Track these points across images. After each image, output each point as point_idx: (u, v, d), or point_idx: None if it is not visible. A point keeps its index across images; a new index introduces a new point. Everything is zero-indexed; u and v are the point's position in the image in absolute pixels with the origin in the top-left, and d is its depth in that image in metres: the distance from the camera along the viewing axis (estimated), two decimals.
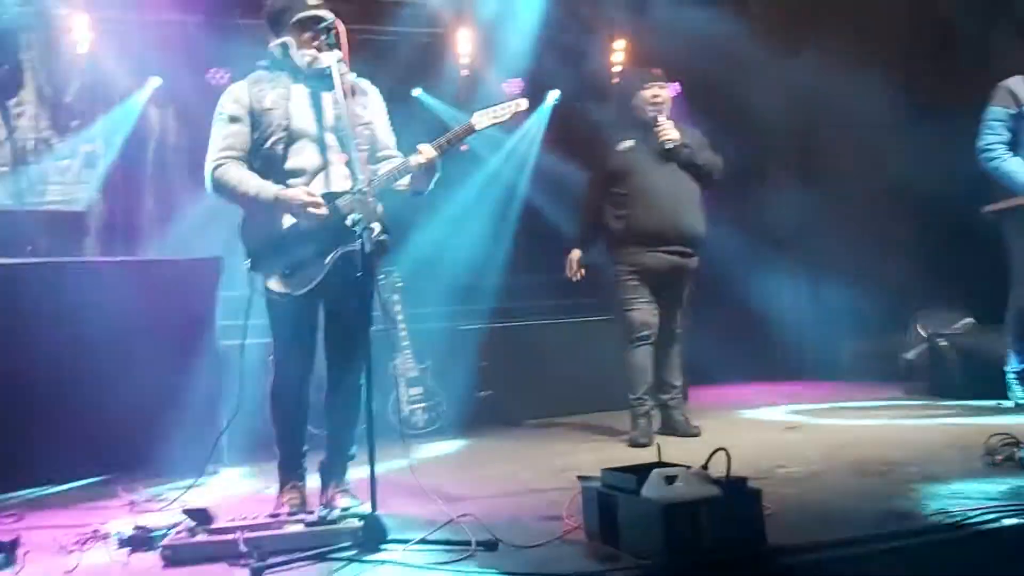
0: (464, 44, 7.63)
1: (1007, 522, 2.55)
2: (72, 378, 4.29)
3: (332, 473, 3.46)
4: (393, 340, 5.63)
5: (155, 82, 7.04)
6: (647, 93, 4.93)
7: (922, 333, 6.39)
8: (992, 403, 5.12)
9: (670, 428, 4.94)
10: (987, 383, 5.38)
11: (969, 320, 6.53)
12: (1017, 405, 4.88)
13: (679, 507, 2.37)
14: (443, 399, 5.67)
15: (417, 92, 7.51)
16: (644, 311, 4.87)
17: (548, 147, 7.83)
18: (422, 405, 5.61)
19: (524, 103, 3.45)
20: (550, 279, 6.95)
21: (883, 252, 7.05)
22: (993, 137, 4.89)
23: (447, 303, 6.73)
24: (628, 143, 4.91)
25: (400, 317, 5.76)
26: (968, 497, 2.89)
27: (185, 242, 6.33)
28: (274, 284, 3.31)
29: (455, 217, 7.14)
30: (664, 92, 4.96)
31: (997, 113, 4.90)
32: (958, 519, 2.59)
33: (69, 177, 7.03)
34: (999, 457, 3.37)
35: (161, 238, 6.86)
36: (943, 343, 5.92)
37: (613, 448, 4.68)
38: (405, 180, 3.41)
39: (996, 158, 4.86)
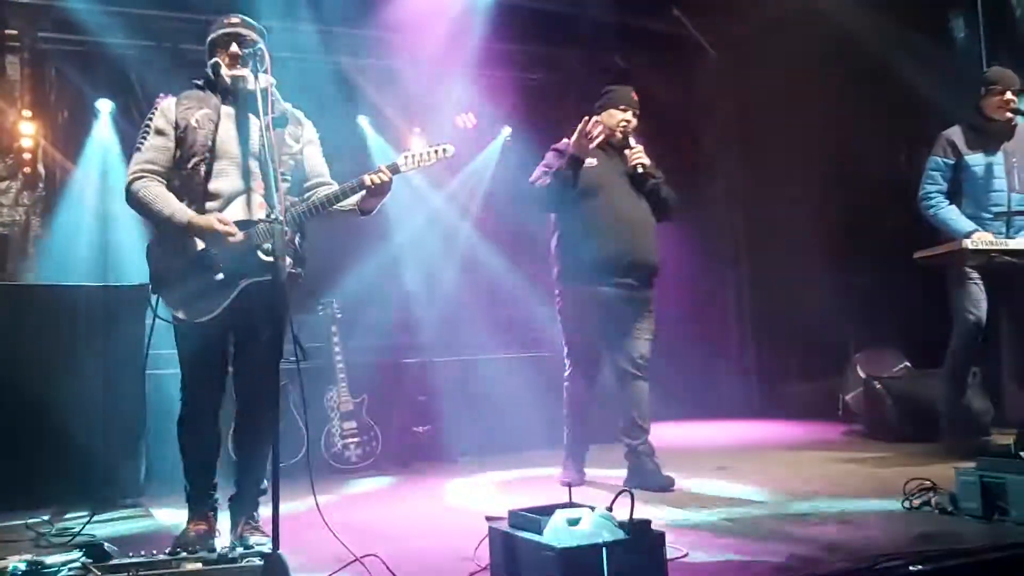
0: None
1: (912, 568, 2.53)
2: None
3: (243, 508, 3.37)
4: (327, 373, 5.56)
5: (106, 106, 6.98)
6: (621, 116, 4.69)
7: (860, 375, 6.43)
8: (927, 446, 5.15)
9: (640, 478, 4.38)
10: (921, 426, 5.44)
11: (905, 364, 6.59)
12: (950, 449, 4.89)
13: (579, 551, 2.32)
14: (378, 433, 5.59)
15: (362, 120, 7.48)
16: (585, 346, 4.66)
17: (500, 184, 7.83)
18: (356, 440, 5.53)
19: (451, 150, 3.44)
20: (491, 313, 6.99)
21: (826, 296, 7.11)
22: (932, 186, 4.98)
23: (387, 336, 6.68)
24: (592, 161, 4.58)
25: (337, 349, 5.68)
26: (881, 542, 2.87)
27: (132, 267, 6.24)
28: (174, 308, 3.26)
29: (398, 250, 7.10)
30: (634, 120, 4.73)
31: (936, 163, 4.99)
32: (865, 565, 2.57)
33: (7, 200, 6.93)
34: (915, 502, 3.36)
35: (100, 262, 6.77)
36: (879, 386, 5.96)
37: (543, 487, 4.61)
38: (354, 199, 3.39)
39: (934, 206, 4.94)
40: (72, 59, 6.97)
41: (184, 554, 2.87)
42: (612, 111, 4.71)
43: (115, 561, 2.79)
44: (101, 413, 4.50)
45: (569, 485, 4.44)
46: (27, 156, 6.84)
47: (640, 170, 4.61)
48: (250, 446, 3.37)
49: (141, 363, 4.68)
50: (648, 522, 2.47)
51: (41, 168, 6.96)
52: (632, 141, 4.67)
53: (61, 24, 6.71)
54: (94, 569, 2.72)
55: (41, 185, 6.99)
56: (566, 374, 4.73)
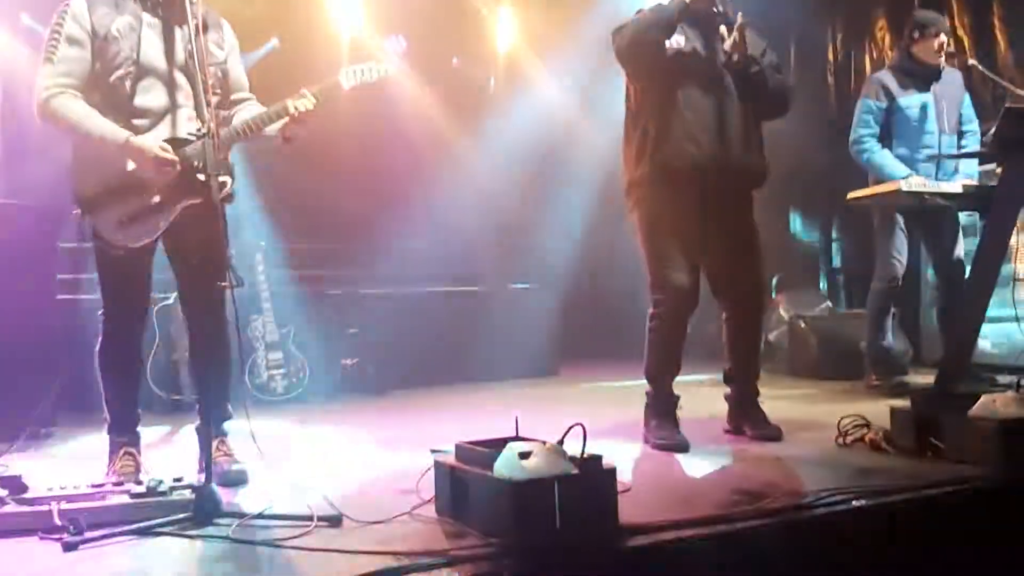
0: None
1: (856, 504, 2.56)
2: None
3: (209, 435, 3.15)
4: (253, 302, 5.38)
5: None
6: None
7: (783, 315, 6.54)
8: (847, 384, 5.29)
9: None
10: (843, 364, 5.58)
11: (827, 304, 6.74)
12: (870, 387, 5.03)
13: (531, 485, 2.26)
14: (304, 365, 5.45)
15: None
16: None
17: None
18: (281, 371, 5.38)
19: (393, 68, 3.27)
20: (424, 245, 6.84)
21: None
22: (864, 130, 4.99)
23: (316, 266, 6.49)
24: (678, 40, 3.65)
25: (262, 278, 5.49)
26: (820, 478, 2.90)
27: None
28: (108, 233, 3.01)
29: (330, 173, 6.85)
30: None
31: (868, 106, 5.00)
32: (809, 500, 2.59)
33: None
34: (850, 438, 3.42)
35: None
36: (803, 325, 6.08)
37: (477, 420, 4.57)
38: (277, 125, 3.17)
39: (866, 150, 4.96)
40: None
41: (109, 486, 2.74)
42: None
43: (34, 494, 2.64)
44: (8, 340, 4.24)
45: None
46: None
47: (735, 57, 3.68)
48: (207, 372, 3.17)
49: (53, 286, 4.52)
50: (600, 457, 2.42)
51: None
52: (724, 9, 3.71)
53: None
54: (11, 501, 2.57)
55: None
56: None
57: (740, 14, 3.66)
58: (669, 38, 3.58)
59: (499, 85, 8.09)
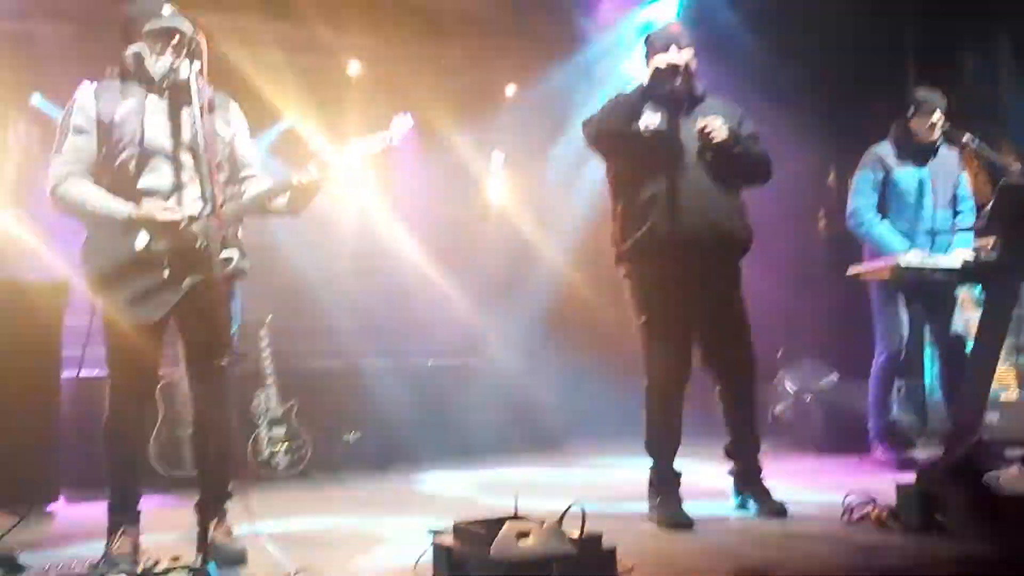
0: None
1: None
2: None
3: (210, 514, 3.11)
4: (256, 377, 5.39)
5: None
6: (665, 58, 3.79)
7: (789, 389, 6.51)
8: (853, 458, 5.23)
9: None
10: (850, 438, 5.52)
11: (834, 376, 6.70)
12: (877, 462, 4.98)
13: (528, 566, 2.25)
14: (308, 440, 5.42)
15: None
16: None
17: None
18: (284, 446, 5.35)
19: (397, 139, 3.29)
20: (426, 319, 6.87)
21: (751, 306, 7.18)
22: (862, 200, 5.03)
23: (319, 341, 6.51)
24: (653, 119, 3.75)
25: (266, 353, 5.50)
26: (825, 556, 2.87)
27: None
28: (118, 312, 3.05)
29: (331, 251, 6.92)
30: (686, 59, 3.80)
31: (866, 177, 5.05)
32: None
33: None
34: (855, 515, 3.38)
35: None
36: (808, 399, 6.05)
37: (478, 497, 4.54)
38: (283, 200, 3.24)
39: (863, 223, 4.99)
40: None
41: (104, 568, 2.73)
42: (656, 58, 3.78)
43: (29, 574, 2.63)
44: (12, 416, 4.25)
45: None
46: None
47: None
48: (207, 448, 3.18)
49: (58, 363, 4.54)
50: (599, 537, 2.41)
51: None
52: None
53: None
54: None
55: None
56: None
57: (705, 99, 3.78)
58: (635, 121, 3.67)
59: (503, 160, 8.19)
